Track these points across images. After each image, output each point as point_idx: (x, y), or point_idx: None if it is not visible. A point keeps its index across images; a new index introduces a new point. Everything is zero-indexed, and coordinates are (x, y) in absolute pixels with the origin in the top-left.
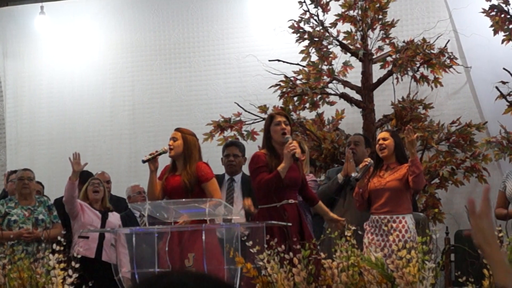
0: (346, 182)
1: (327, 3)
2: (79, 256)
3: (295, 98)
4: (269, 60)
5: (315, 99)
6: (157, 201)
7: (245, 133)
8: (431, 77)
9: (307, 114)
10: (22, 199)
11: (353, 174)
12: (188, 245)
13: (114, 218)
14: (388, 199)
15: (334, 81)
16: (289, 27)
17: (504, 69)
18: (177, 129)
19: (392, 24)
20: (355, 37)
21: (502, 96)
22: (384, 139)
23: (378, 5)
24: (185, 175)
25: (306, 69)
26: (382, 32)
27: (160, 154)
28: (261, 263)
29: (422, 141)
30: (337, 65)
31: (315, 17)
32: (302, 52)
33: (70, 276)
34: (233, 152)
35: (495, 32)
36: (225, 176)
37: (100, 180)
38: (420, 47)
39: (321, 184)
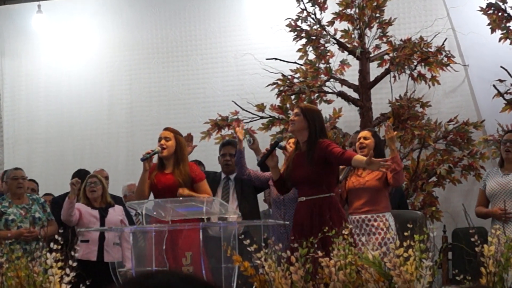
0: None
1: (324, 2)
2: (76, 255)
3: (293, 97)
4: (267, 59)
5: (312, 97)
6: (155, 199)
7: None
8: (428, 75)
9: None
10: (15, 198)
11: None
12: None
13: (114, 214)
14: (368, 198)
15: (331, 80)
16: (287, 25)
17: (501, 67)
18: (167, 129)
19: (390, 23)
20: (353, 36)
21: (500, 94)
22: (365, 138)
23: (375, 3)
24: (178, 174)
25: (303, 67)
26: (379, 30)
27: (155, 153)
28: (258, 261)
29: (420, 140)
30: (334, 63)
31: (312, 16)
32: (299, 50)
33: (68, 275)
34: (229, 152)
35: (493, 30)
36: (222, 175)
37: (97, 177)
38: (417, 45)
39: None
